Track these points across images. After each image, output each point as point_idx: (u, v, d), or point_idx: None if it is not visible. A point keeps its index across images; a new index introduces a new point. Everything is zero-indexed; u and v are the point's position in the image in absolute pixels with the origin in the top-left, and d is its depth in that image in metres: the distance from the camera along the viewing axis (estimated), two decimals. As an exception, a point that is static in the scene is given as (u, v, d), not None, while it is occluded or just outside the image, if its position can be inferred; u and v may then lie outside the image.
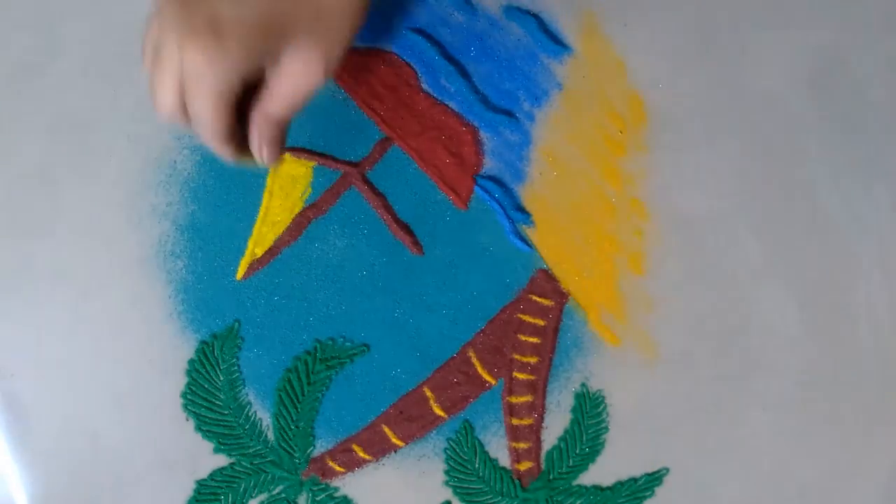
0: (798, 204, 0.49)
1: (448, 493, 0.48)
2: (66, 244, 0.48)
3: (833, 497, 0.49)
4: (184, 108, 0.37)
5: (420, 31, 0.49)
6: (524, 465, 0.49)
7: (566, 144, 0.49)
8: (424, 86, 0.49)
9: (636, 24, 0.49)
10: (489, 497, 0.48)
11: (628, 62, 0.49)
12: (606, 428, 0.49)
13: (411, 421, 0.48)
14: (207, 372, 0.48)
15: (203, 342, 0.48)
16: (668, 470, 0.49)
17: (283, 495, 0.48)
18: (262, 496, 0.48)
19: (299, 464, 0.48)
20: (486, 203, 0.49)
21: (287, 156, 0.49)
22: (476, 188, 0.49)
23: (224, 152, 0.39)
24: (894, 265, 0.49)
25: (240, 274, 0.48)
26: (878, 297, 0.49)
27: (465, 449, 0.48)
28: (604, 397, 0.49)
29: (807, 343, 0.49)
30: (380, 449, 0.48)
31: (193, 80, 0.35)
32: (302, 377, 0.48)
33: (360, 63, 0.49)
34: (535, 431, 0.49)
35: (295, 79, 0.37)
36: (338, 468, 0.48)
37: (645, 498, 0.49)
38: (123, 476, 0.48)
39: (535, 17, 0.49)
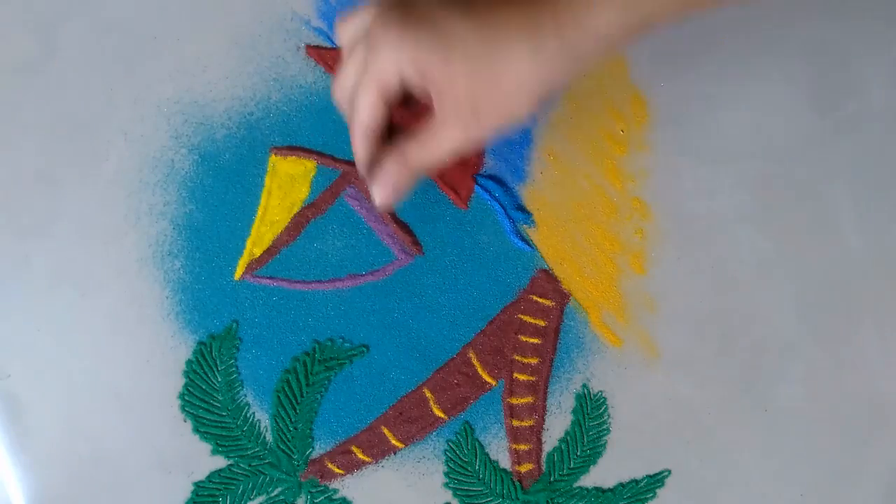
0: (800, 204, 0.49)
1: (448, 495, 0.48)
2: (63, 244, 0.48)
3: (834, 499, 0.49)
4: (350, 101, 0.40)
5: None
6: (525, 467, 0.48)
7: (567, 143, 0.49)
8: (424, 84, 0.49)
9: (638, 22, 0.49)
10: (489, 499, 0.48)
11: (630, 61, 0.49)
12: (608, 429, 0.48)
13: (411, 422, 0.48)
14: (205, 373, 0.48)
15: (201, 343, 0.48)
16: (669, 472, 0.48)
17: (282, 497, 0.48)
18: (261, 498, 0.48)
19: (298, 465, 0.48)
20: (486, 203, 0.49)
21: (285, 156, 0.49)
22: (476, 188, 0.49)
23: (358, 150, 0.41)
24: (893, 266, 0.49)
25: (238, 274, 0.48)
26: (880, 298, 0.49)
27: (466, 451, 0.48)
28: (605, 399, 0.48)
29: (808, 344, 0.49)
30: (379, 451, 0.48)
31: (372, 54, 0.38)
32: (301, 378, 0.48)
33: (359, 61, 0.49)
34: (536, 433, 0.48)
35: (439, 123, 0.39)
36: (337, 470, 0.48)
37: (646, 500, 0.48)
38: (121, 477, 0.48)
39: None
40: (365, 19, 0.40)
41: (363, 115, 0.40)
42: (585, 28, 0.37)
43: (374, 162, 0.41)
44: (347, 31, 0.41)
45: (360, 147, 0.41)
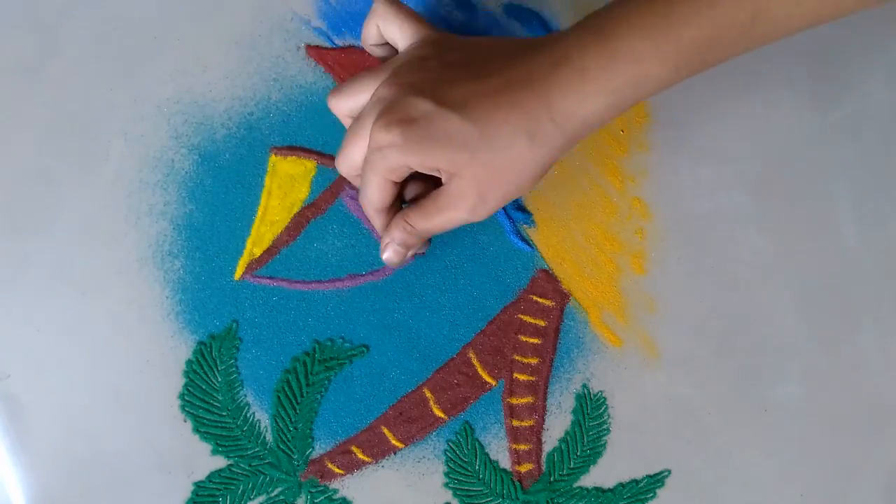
0: (799, 203, 0.49)
1: (448, 495, 0.48)
2: (63, 244, 0.48)
3: (834, 499, 0.49)
4: (358, 178, 0.43)
5: (420, 29, 0.48)
6: (525, 467, 0.48)
7: (567, 143, 0.49)
8: (424, 84, 0.49)
9: (638, 22, 0.49)
10: (489, 499, 0.48)
11: (630, 60, 0.49)
12: (608, 429, 0.48)
13: (411, 422, 0.48)
14: (205, 373, 0.48)
15: (201, 343, 0.48)
16: (669, 471, 0.48)
17: (282, 497, 0.48)
18: (261, 498, 0.48)
19: (298, 465, 0.48)
20: (486, 202, 0.49)
21: (285, 157, 0.49)
22: (476, 187, 0.49)
23: (374, 222, 0.44)
24: (895, 265, 0.49)
25: (238, 274, 0.48)
26: (880, 298, 0.49)
27: (466, 451, 0.48)
28: (605, 398, 0.48)
29: (808, 343, 0.49)
30: (379, 450, 0.48)
31: (370, 153, 0.40)
32: (301, 378, 0.48)
33: (359, 62, 0.49)
34: (536, 433, 0.48)
35: (444, 206, 0.41)
36: (337, 470, 0.48)
37: (646, 500, 0.48)
38: (121, 477, 0.48)
39: (536, 15, 0.49)
40: (359, 98, 0.42)
41: (374, 198, 0.42)
42: (577, 116, 0.39)
43: (387, 209, 0.43)
44: (342, 106, 0.43)
45: (375, 220, 0.43)
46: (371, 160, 0.40)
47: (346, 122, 0.44)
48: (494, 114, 0.39)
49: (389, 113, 0.39)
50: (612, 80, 0.38)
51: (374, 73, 0.42)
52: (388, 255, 0.44)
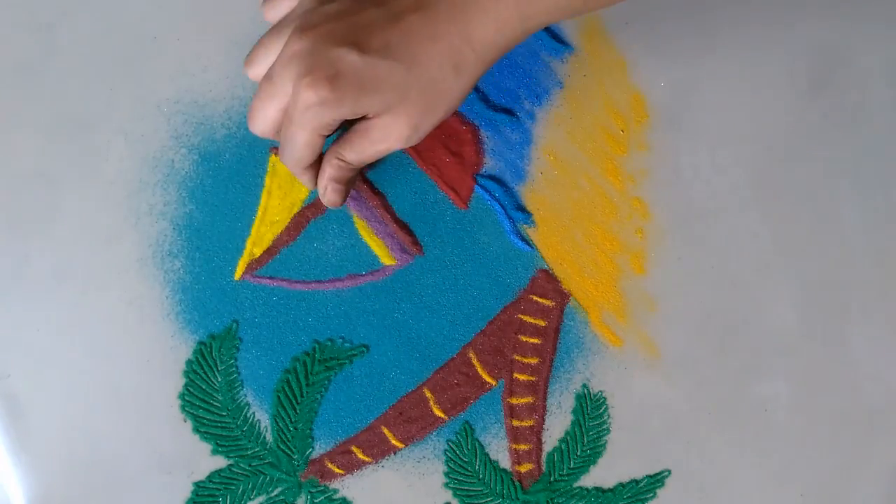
0: (799, 203, 0.49)
1: (448, 495, 0.48)
2: (63, 244, 0.48)
3: (834, 499, 0.49)
4: (276, 131, 0.42)
5: (420, 29, 0.48)
6: (525, 467, 0.48)
7: (567, 143, 0.49)
8: (424, 84, 0.49)
9: (638, 23, 0.49)
10: (489, 499, 0.48)
11: (630, 60, 0.49)
12: (608, 429, 0.48)
13: (411, 422, 0.48)
14: (205, 373, 0.48)
15: (201, 343, 0.48)
16: (669, 472, 0.48)
17: (282, 497, 0.48)
18: (261, 498, 0.48)
19: (298, 465, 0.48)
20: (486, 202, 0.49)
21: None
22: (476, 187, 0.49)
23: (302, 179, 0.43)
24: (894, 265, 0.49)
25: (238, 274, 0.48)
26: (881, 298, 0.49)
27: (466, 451, 0.48)
28: (605, 398, 0.48)
29: (809, 343, 0.49)
30: (379, 450, 0.48)
31: (298, 113, 0.39)
32: (301, 378, 0.48)
33: (359, 61, 0.49)
34: (536, 433, 0.48)
35: (377, 139, 0.41)
36: (337, 470, 0.48)
37: (646, 500, 0.48)
38: (121, 477, 0.48)
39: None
40: (272, 58, 0.41)
41: (304, 155, 0.41)
42: (495, 44, 0.40)
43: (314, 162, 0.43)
44: (258, 71, 0.42)
45: (303, 177, 0.43)
46: (300, 119, 0.40)
47: None
48: (419, 51, 0.39)
49: (314, 70, 0.38)
50: (527, 8, 0.39)
51: (279, 29, 0.41)
52: (330, 196, 0.43)
